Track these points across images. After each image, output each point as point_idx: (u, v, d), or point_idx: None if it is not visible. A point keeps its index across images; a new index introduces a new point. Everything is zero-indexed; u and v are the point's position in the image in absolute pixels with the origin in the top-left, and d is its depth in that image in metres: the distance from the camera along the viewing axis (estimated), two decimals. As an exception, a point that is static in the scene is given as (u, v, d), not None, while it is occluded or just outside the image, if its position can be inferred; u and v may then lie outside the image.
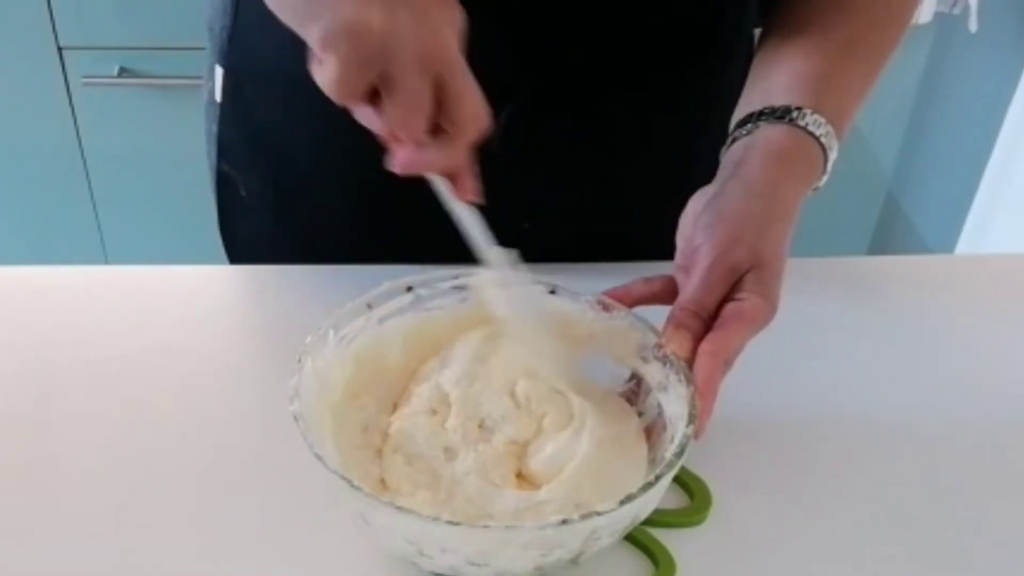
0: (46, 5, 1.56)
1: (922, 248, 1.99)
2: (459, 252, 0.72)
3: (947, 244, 1.91)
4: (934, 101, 1.92)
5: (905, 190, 2.02)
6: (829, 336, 0.76)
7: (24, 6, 1.56)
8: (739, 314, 0.57)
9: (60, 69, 1.62)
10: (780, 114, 0.64)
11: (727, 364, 0.57)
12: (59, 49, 1.61)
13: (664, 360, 0.58)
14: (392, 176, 0.79)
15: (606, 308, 0.61)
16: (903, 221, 2.03)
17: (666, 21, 0.72)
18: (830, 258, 0.84)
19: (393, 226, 0.81)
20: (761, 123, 0.64)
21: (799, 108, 0.64)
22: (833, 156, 0.65)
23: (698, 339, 0.56)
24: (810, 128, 0.63)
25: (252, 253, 0.87)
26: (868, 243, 2.08)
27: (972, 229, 1.85)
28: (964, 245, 1.86)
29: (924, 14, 1.72)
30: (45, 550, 0.57)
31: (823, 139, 0.64)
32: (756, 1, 0.76)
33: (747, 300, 0.57)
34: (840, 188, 1.95)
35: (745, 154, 0.64)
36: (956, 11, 1.75)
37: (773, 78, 0.68)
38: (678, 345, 0.56)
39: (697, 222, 0.61)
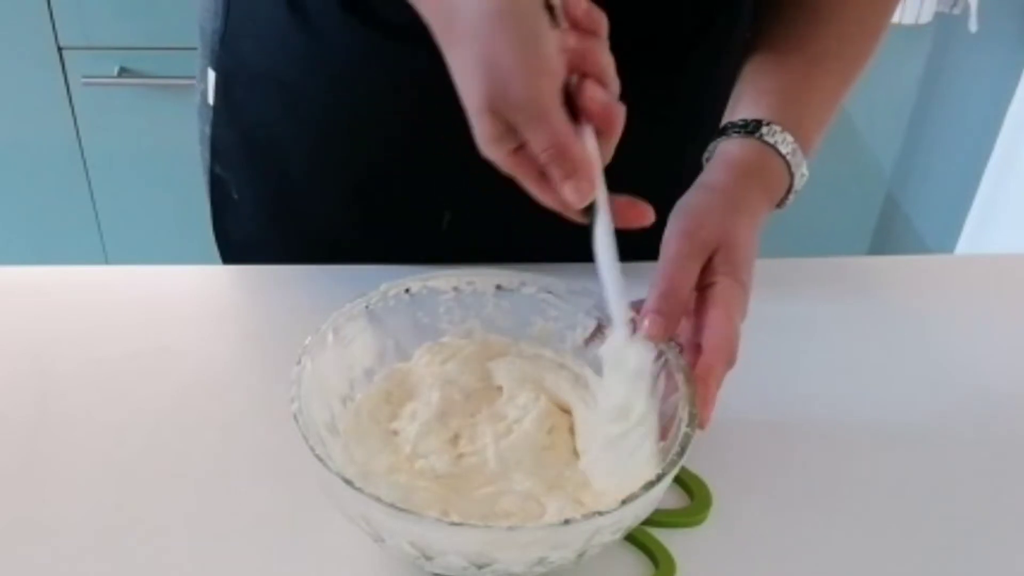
0: (46, 5, 1.56)
1: (922, 248, 1.99)
2: (451, 253, 0.72)
3: (947, 244, 1.91)
4: (934, 101, 1.92)
5: (905, 190, 2.02)
6: (829, 336, 0.76)
7: (24, 6, 1.56)
8: (719, 303, 0.57)
9: (60, 69, 1.62)
10: (740, 128, 0.66)
11: (728, 357, 0.57)
12: (59, 49, 1.61)
13: (664, 361, 0.58)
14: (385, 179, 0.80)
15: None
16: (903, 221, 2.04)
17: (655, 29, 0.73)
18: (830, 258, 0.84)
19: (386, 228, 0.81)
20: (723, 138, 0.66)
21: (756, 121, 0.65)
22: (799, 163, 0.66)
23: (673, 321, 0.57)
24: (766, 138, 0.65)
25: (246, 255, 0.87)
26: (868, 243, 2.08)
27: (972, 229, 1.85)
28: (964, 245, 1.86)
29: (924, 14, 1.72)
30: (44, 550, 0.57)
31: (780, 147, 0.65)
32: (748, 10, 0.76)
33: (720, 284, 0.58)
34: (840, 188, 1.95)
35: (709, 167, 0.66)
36: (956, 11, 1.75)
37: (740, 94, 0.69)
38: (648, 331, 0.56)
39: (667, 225, 0.62)
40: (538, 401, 0.59)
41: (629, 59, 0.74)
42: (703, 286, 0.58)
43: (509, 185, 0.78)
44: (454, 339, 0.63)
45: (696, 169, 0.67)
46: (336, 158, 0.73)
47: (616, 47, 0.73)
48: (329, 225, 0.83)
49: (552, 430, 0.59)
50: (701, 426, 0.54)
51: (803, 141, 0.66)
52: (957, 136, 1.89)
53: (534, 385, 0.61)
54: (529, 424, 0.58)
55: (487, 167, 0.77)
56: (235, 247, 0.90)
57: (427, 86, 0.74)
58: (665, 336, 0.57)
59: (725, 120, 0.68)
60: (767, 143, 0.65)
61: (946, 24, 1.80)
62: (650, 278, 0.60)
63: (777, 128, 0.65)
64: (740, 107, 0.67)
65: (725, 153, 0.66)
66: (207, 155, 0.87)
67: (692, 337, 0.58)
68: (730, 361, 0.57)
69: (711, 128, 0.69)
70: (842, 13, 0.71)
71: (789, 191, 0.67)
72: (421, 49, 0.73)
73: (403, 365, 0.62)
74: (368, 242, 0.79)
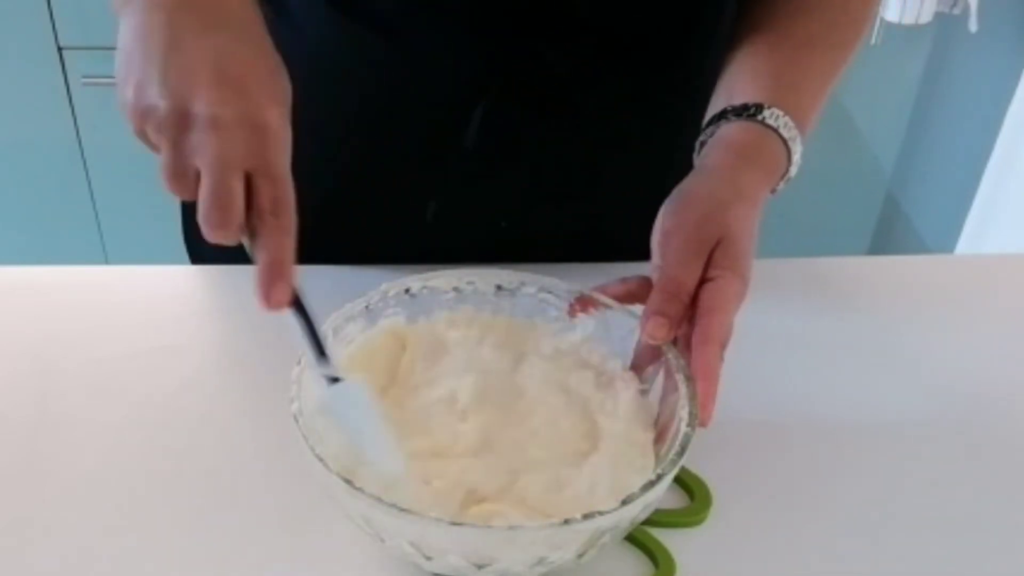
0: (46, 5, 1.56)
1: (922, 248, 1.99)
2: (437, 248, 0.72)
3: (947, 244, 1.91)
4: (934, 101, 1.92)
5: (905, 190, 2.02)
6: (828, 336, 0.76)
7: (24, 6, 1.56)
8: (716, 297, 0.57)
9: (60, 69, 1.62)
10: (739, 112, 0.65)
11: (722, 347, 0.57)
12: (59, 49, 1.61)
13: (663, 361, 0.58)
14: (366, 173, 0.79)
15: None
16: (903, 221, 2.04)
17: (641, 22, 0.73)
18: (829, 258, 0.84)
19: (369, 225, 0.81)
20: (722, 123, 0.66)
21: (757, 104, 0.65)
22: (797, 147, 0.66)
23: (676, 323, 0.57)
24: (768, 122, 0.65)
25: (216, 259, 0.87)
26: (868, 243, 2.08)
27: (972, 229, 1.85)
28: (964, 245, 1.86)
29: (924, 14, 1.72)
30: (44, 550, 0.57)
31: (782, 131, 0.65)
32: (734, 4, 0.76)
33: (720, 278, 0.58)
34: (840, 188, 1.95)
35: (708, 151, 0.66)
36: (956, 11, 1.75)
37: (733, 80, 0.69)
38: (651, 333, 0.57)
39: (665, 212, 0.62)
40: (568, 408, 0.59)
41: (621, 57, 0.74)
42: (702, 280, 0.58)
43: (493, 176, 0.79)
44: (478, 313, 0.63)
45: (685, 166, 0.67)
46: (315, 151, 0.73)
47: (609, 46, 0.73)
48: (309, 222, 0.82)
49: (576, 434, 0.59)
50: (703, 424, 0.54)
51: (800, 126, 0.66)
52: (957, 136, 1.89)
53: (559, 388, 0.60)
54: (555, 430, 0.58)
55: (470, 157, 0.77)
56: (205, 255, 0.90)
57: (407, 76, 0.74)
58: (669, 338, 0.57)
59: (719, 104, 0.68)
60: (769, 126, 0.65)
61: (946, 24, 1.80)
62: (653, 272, 0.61)
63: (779, 112, 0.65)
64: (736, 91, 0.67)
65: (726, 136, 0.65)
66: None
67: (685, 330, 0.58)
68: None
69: (696, 125, 0.69)
70: (825, 1, 0.71)
71: (782, 177, 0.67)
72: (401, 40, 0.73)
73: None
74: (349, 242, 0.79)
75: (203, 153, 0.50)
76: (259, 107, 0.51)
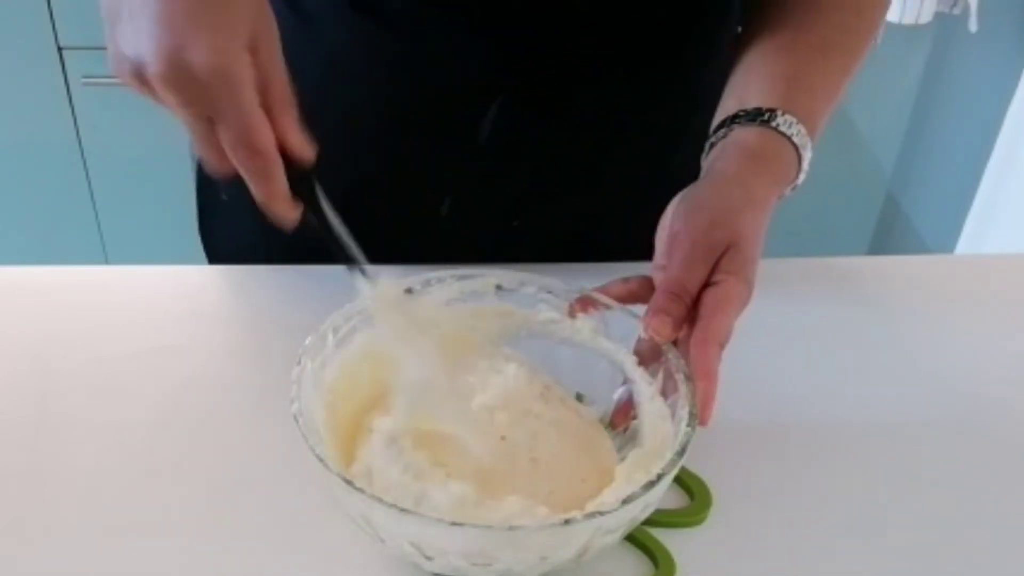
0: (46, 5, 1.56)
1: (922, 248, 1.99)
2: (450, 244, 0.72)
3: (947, 244, 1.92)
4: (934, 101, 1.92)
5: (905, 190, 2.02)
6: (829, 336, 0.76)
7: (24, 6, 1.56)
8: (719, 299, 0.57)
9: (60, 69, 1.62)
10: (752, 116, 0.65)
11: (720, 347, 0.57)
12: (59, 49, 1.61)
13: (664, 361, 0.58)
14: (382, 170, 0.79)
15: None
16: (903, 221, 2.04)
17: (646, 17, 0.73)
18: (830, 258, 0.84)
19: (382, 224, 0.81)
20: (735, 126, 0.66)
21: (771, 110, 0.65)
22: (807, 155, 0.66)
23: (679, 323, 0.57)
24: (781, 128, 0.64)
25: (233, 255, 0.87)
26: (868, 243, 2.08)
27: (972, 229, 1.85)
28: (964, 245, 1.86)
29: (924, 14, 1.72)
30: (44, 550, 0.57)
31: (795, 139, 0.65)
32: (738, 5, 0.76)
33: (724, 282, 0.58)
34: (840, 188, 1.95)
35: (719, 154, 0.65)
36: (956, 11, 1.75)
37: (747, 82, 0.69)
38: (656, 330, 0.57)
39: (674, 214, 0.62)
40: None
41: (622, 55, 0.74)
42: (706, 284, 0.58)
43: (500, 175, 0.79)
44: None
45: (688, 167, 0.67)
46: (330, 150, 0.73)
47: (609, 42, 0.73)
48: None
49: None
50: (703, 423, 0.54)
51: (811, 133, 0.66)
52: (957, 136, 1.90)
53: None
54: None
55: (486, 150, 0.77)
56: (222, 248, 0.90)
57: (422, 72, 0.74)
58: (673, 336, 0.57)
59: (731, 106, 0.67)
60: (782, 133, 0.64)
61: (946, 24, 1.80)
62: (654, 272, 0.60)
63: (793, 119, 0.65)
64: (750, 94, 0.67)
65: (739, 141, 0.65)
66: (195, 155, 0.86)
67: (684, 332, 0.58)
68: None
69: (701, 124, 0.69)
70: (840, 2, 0.71)
71: (790, 184, 0.67)
72: (414, 39, 0.73)
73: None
74: (361, 242, 0.79)
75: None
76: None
